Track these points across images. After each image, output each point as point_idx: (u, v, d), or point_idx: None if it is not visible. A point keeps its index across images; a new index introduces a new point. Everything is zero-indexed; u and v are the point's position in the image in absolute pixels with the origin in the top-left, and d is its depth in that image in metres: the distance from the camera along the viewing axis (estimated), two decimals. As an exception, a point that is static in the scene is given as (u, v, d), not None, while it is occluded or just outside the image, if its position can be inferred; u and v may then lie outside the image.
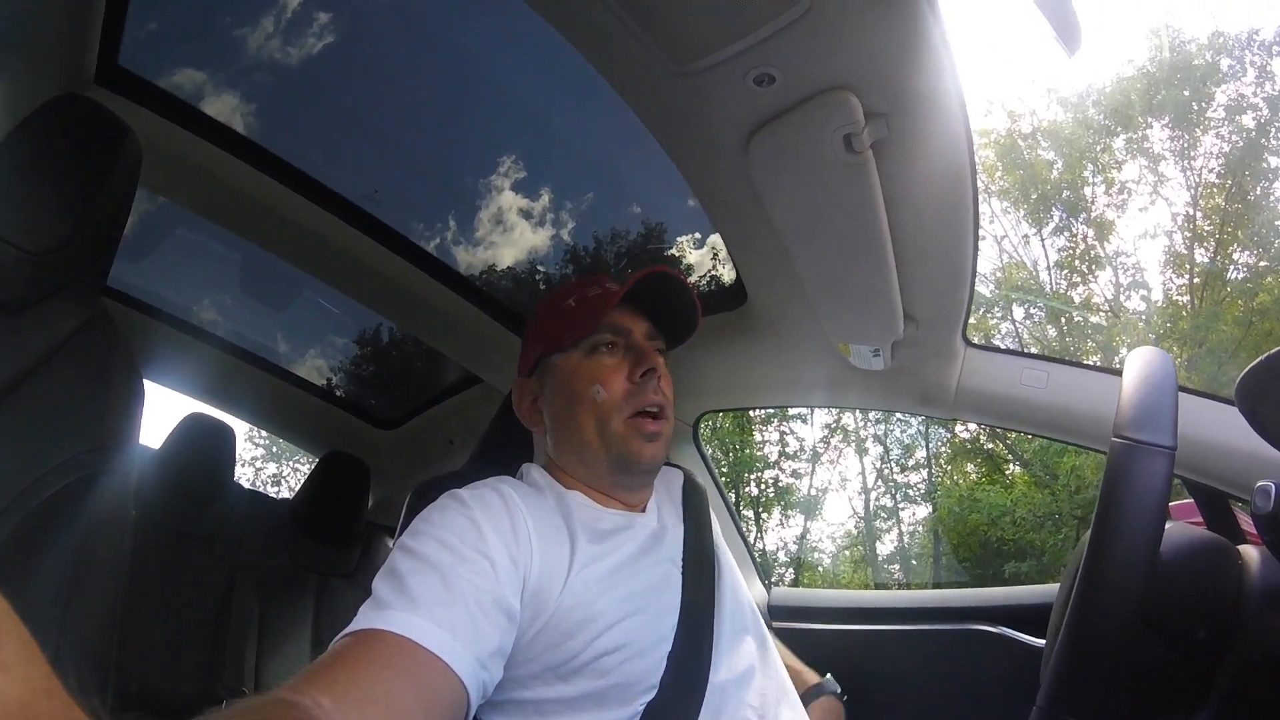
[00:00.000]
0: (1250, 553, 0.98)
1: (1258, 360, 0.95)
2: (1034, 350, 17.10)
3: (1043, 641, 1.75)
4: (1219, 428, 1.58)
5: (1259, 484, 0.90)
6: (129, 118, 1.39)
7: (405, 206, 2.32)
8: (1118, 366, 1.50)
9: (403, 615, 0.92)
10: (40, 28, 1.52)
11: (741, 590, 1.40)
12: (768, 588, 2.50)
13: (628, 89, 1.42)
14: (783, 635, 1.60)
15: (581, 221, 2.52)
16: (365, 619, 0.94)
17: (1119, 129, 18.14)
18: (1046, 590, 2.07)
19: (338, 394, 3.36)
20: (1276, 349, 0.93)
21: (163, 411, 3.01)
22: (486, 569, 1.05)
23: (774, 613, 2.41)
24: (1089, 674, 0.83)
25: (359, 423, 3.37)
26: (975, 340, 1.94)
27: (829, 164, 1.34)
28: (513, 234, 2.49)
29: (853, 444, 20.48)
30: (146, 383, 1.47)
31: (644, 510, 1.40)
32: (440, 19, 1.96)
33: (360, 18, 2.05)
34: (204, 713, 0.67)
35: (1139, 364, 0.97)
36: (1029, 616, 1.99)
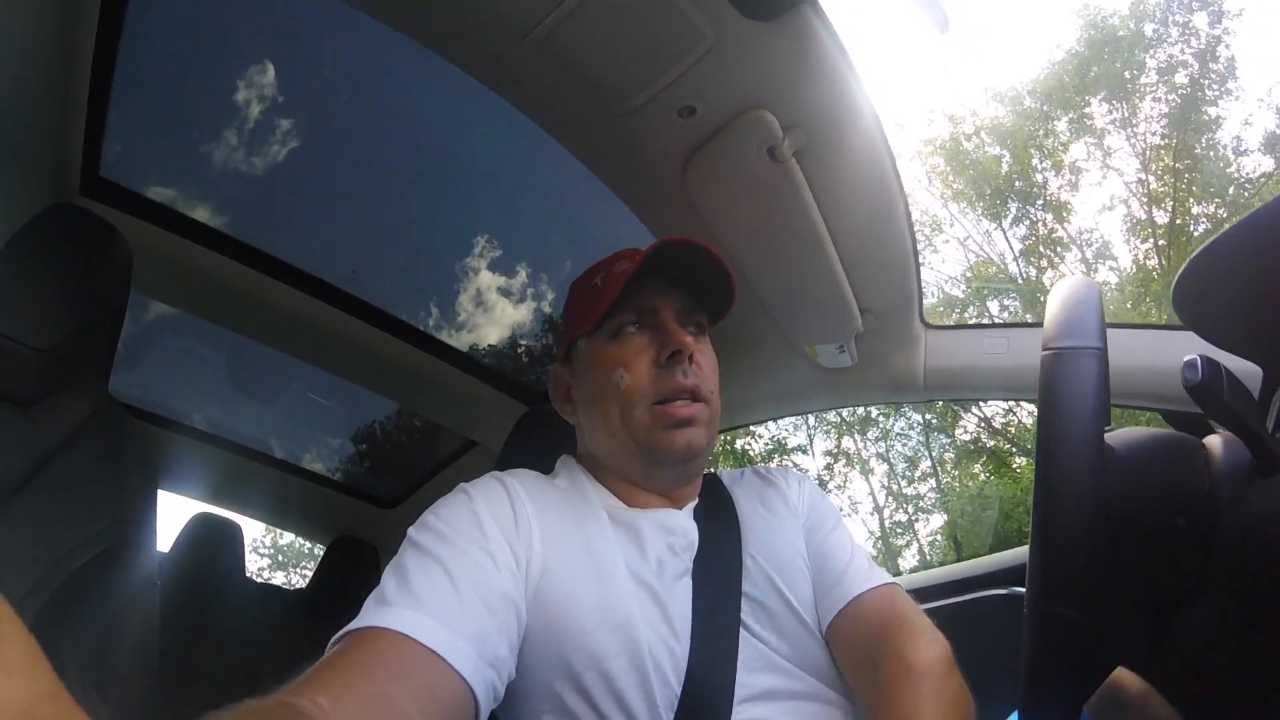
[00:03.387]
0: (1213, 440, 0.96)
1: (1185, 265, 0.96)
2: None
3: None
4: (1179, 355, 1.65)
5: (1185, 359, 0.88)
6: (113, 224, 1.47)
7: (385, 287, 2.38)
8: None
9: (404, 612, 0.89)
10: (27, 144, 1.62)
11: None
12: None
13: (572, 139, 1.55)
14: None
15: (562, 290, 2.47)
16: (367, 615, 0.90)
17: (1058, 112, 18.45)
18: None
19: (338, 480, 3.38)
20: (1199, 250, 0.94)
21: (167, 516, 3.06)
22: (488, 564, 1.00)
23: None
24: (1066, 564, 0.83)
25: (362, 505, 3.39)
26: (936, 323, 2.05)
27: (758, 177, 1.47)
28: (494, 313, 2.56)
29: (857, 467, 20.50)
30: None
31: (683, 508, 1.26)
32: (398, 104, 2.04)
33: (325, 111, 2.13)
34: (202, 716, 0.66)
35: (1060, 288, 1.01)
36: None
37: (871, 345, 2.02)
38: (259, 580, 3.34)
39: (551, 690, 1.04)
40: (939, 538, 19.35)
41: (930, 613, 1.97)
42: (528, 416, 1.78)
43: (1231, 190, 16.64)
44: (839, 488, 20.41)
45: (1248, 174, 16.82)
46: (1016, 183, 18.72)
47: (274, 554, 21.98)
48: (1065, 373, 0.89)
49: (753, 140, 1.41)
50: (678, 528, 1.20)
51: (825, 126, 1.43)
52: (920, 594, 2.17)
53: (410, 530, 1.06)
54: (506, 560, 1.02)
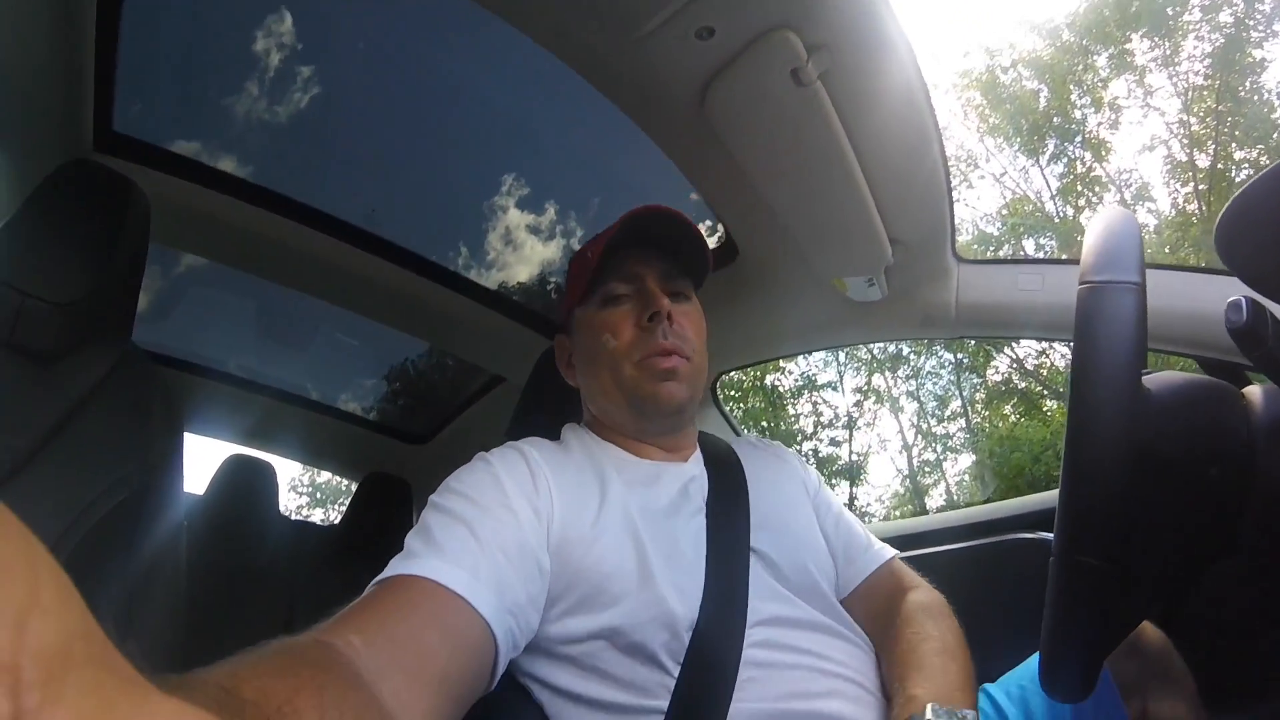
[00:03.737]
0: (1254, 391, 0.93)
1: (1228, 204, 0.92)
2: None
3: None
4: (1221, 300, 1.60)
5: (1229, 300, 0.87)
6: (130, 177, 1.48)
7: (410, 226, 2.39)
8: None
9: (430, 561, 0.93)
10: (37, 103, 1.64)
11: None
12: None
13: (589, 68, 1.50)
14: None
15: (589, 228, 2.58)
16: (394, 567, 0.94)
17: (1098, 47, 18.00)
18: None
19: (369, 417, 3.47)
20: (1245, 186, 0.89)
21: (205, 460, 3.24)
22: (510, 520, 1.05)
23: None
24: (1096, 510, 0.80)
25: (393, 442, 3.46)
26: (969, 257, 1.99)
27: (782, 102, 1.41)
28: (520, 251, 2.59)
29: (886, 404, 20.46)
30: (186, 435, 1.62)
31: (686, 459, 1.37)
32: (412, 42, 2.01)
33: (341, 53, 2.13)
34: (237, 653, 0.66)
35: (1098, 220, 0.98)
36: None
37: (902, 278, 1.96)
38: (294, 518, 3.36)
39: (572, 635, 1.08)
40: (967, 478, 19.39)
41: (954, 554, 2.10)
42: (550, 352, 1.75)
43: (1276, 136, 16.20)
44: (868, 425, 20.48)
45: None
46: (1055, 118, 18.35)
47: (312, 491, 22.36)
48: (1103, 308, 0.86)
49: (775, 62, 1.35)
50: (686, 473, 1.31)
51: (852, 48, 1.36)
52: (945, 534, 2.19)
53: (432, 496, 1.10)
54: (528, 516, 1.07)
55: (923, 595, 1.33)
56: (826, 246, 1.85)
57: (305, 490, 21.84)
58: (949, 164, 1.72)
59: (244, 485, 3.06)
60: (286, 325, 2.96)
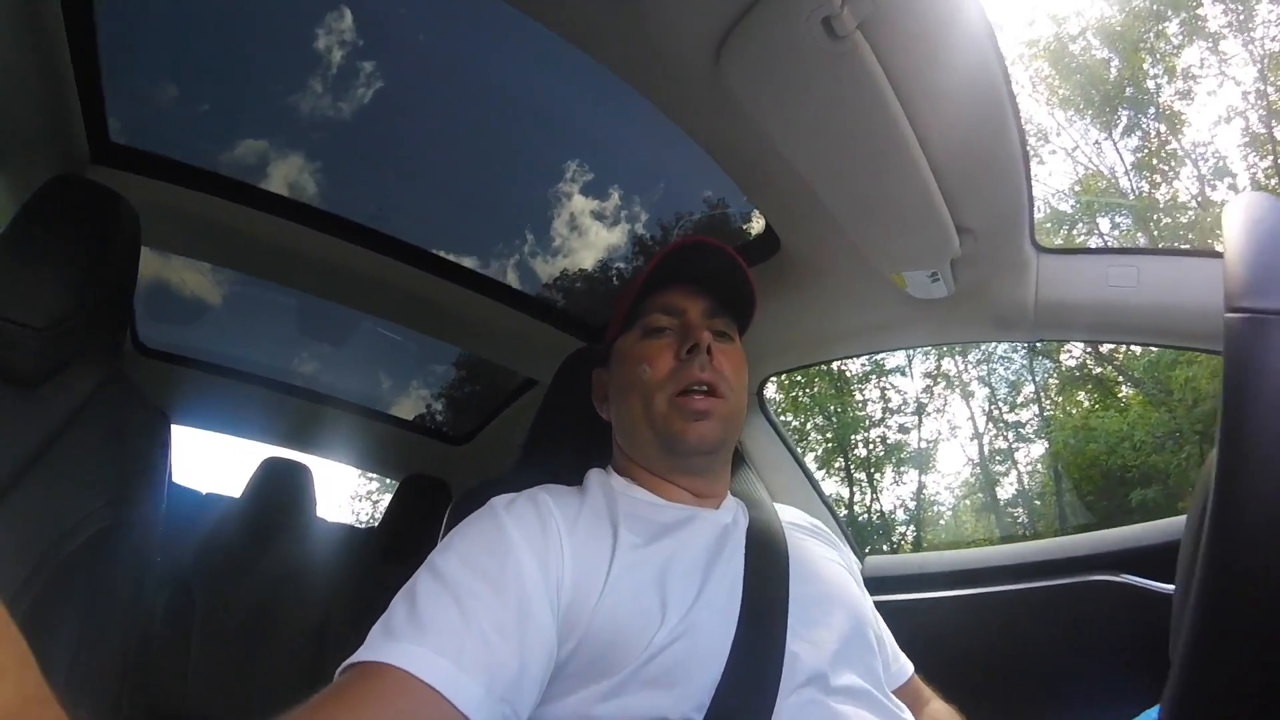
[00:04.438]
0: None
1: None
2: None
3: (1173, 587, 1.56)
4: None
5: None
6: (132, 188, 1.49)
7: (429, 228, 2.33)
8: (1218, 248, 1.28)
9: (408, 647, 0.87)
10: (28, 119, 1.63)
11: (825, 570, 1.29)
12: (860, 558, 2.26)
13: (587, 36, 1.29)
14: (878, 609, 1.43)
15: (651, 214, 2.51)
16: (371, 648, 0.89)
17: (1169, 12, 17.26)
18: (1172, 525, 1.81)
19: (408, 418, 3.44)
20: None
21: (245, 461, 3.35)
22: (512, 585, 0.98)
23: (867, 586, 2.15)
24: (1248, 593, 0.65)
25: (432, 442, 3.44)
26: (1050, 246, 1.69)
27: (813, 59, 1.12)
28: (548, 249, 2.50)
29: (957, 389, 19.97)
30: (226, 437, 1.92)
31: (718, 506, 1.30)
32: (408, 31, 2.00)
33: (344, 49, 2.02)
34: None
35: (1241, 216, 0.75)
36: (1155, 558, 1.73)
37: (971, 272, 1.68)
38: (330, 521, 3.47)
39: (585, 705, 1.00)
40: (1040, 467, 18.85)
41: (1021, 595, 1.89)
42: (575, 355, 1.69)
43: None
44: (938, 411, 20.09)
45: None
46: (1127, 89, 17.63)
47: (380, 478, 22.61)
48: (1267, 349, 0.66)
49: (801, 8, 1.06)
50: (719, 520, 1.24)
51: (901, -12, 1.07)
52: (1008, 572, 1.98)
53: (434, 553, 1.05)
54: (534, 575, 1.01)
55: (941, 706, 1.37)
56: (881, 236, 1.57)
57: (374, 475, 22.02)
58: (1025, 133, 1.41)
59: (280, 487, 3.13)
60: (325, 324, 2.94)
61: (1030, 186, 1.51)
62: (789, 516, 1.41)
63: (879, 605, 1.41)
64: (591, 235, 2.56)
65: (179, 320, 2.92)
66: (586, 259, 2.56)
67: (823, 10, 1.04)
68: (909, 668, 1.40)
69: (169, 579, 2.75)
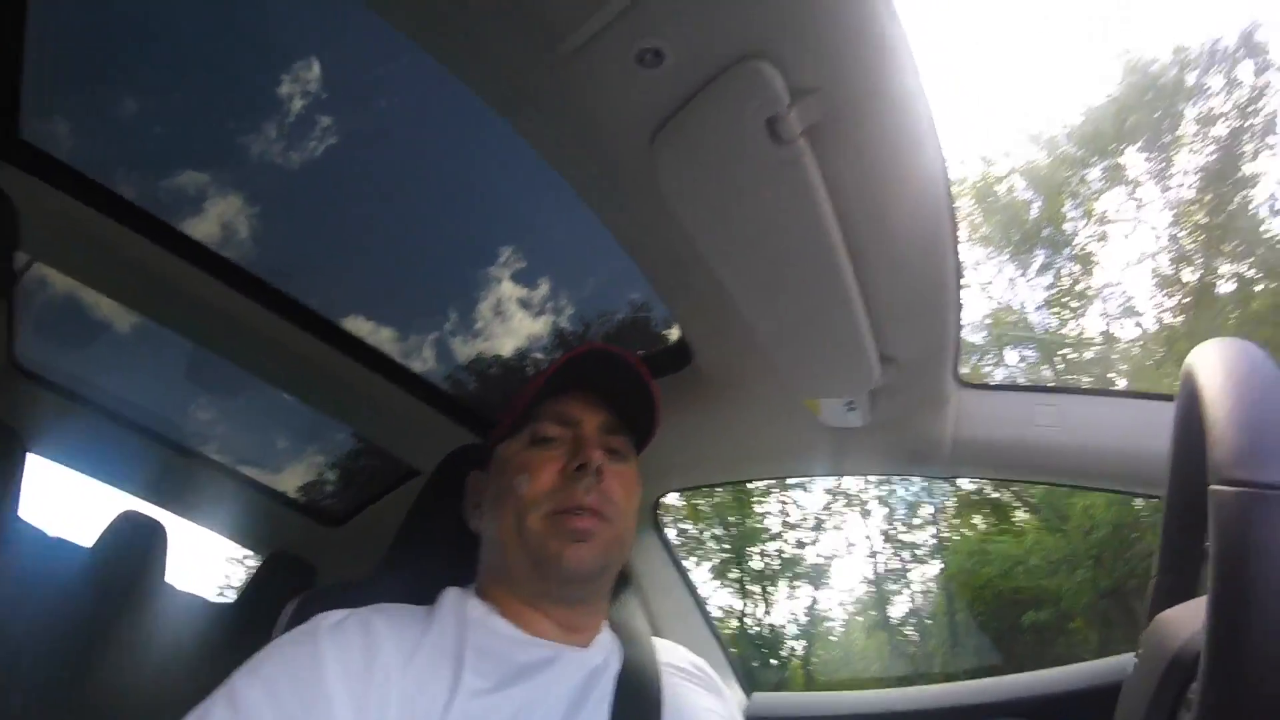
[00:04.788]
0: None
1: None
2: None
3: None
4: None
5: None
6: (33, 193, 1.48)
7: (329, 293, 2.14)
8: (1146, 390, 1.22)
9: None
10: None
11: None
12: (747, 693, 2.13)
13: (507, 102, 1.16)
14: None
15: (576, 309, 2.42)
16: None
17: (1094, 159, 18.13)
18: (1079, 672, 1.75)
19: (281, 489, 3.19)
20: None
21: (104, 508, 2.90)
22: None
23: None
24: None
25: (304, 520, 3.18)
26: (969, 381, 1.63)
27: (751, 161, 1.02)
28: (510, 323, 2.43)
29: (856, 508, 20.14)
30: (86, 479, 1.81)
31: (588, 643, 1.16)
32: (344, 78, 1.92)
33: (321, 108, 1.95)
34: None
35: (1221, 369, 0.65)
36: (1063, 707, 1.67)
37: (890, 403, 1.59)
38: (181, 590, 3.08)
39: None
40: (933, 587, 18.98)
41: None
42: (461, 451, 1.52)
43: (1261, 250, 16.31)
44: (836, 528, 20.12)
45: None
46: (1045, 229, 18.35)
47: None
48: (1268, 528, 0.55)
49: (745, 107, 0.96)
50: (587, 662, 1.11)
51: (853, 95, 0.98)
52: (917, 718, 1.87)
53: (243, 667, 0.94)
54: (344, 714, 0.89)
55: None
56: (800, 359, 1.46)
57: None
58: (962, 268, 1.34)
59: (131, 545, 2.77)
60: (213, 377, 2.69)
61: (959, 319, 1.44)
62: (669, 656, 1.28)
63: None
64: (515, 322, 2.44)
65: (62, 342, 2.72)
66: (505, 346, 2.46)
67: (768, 109, 0.95)
68: None
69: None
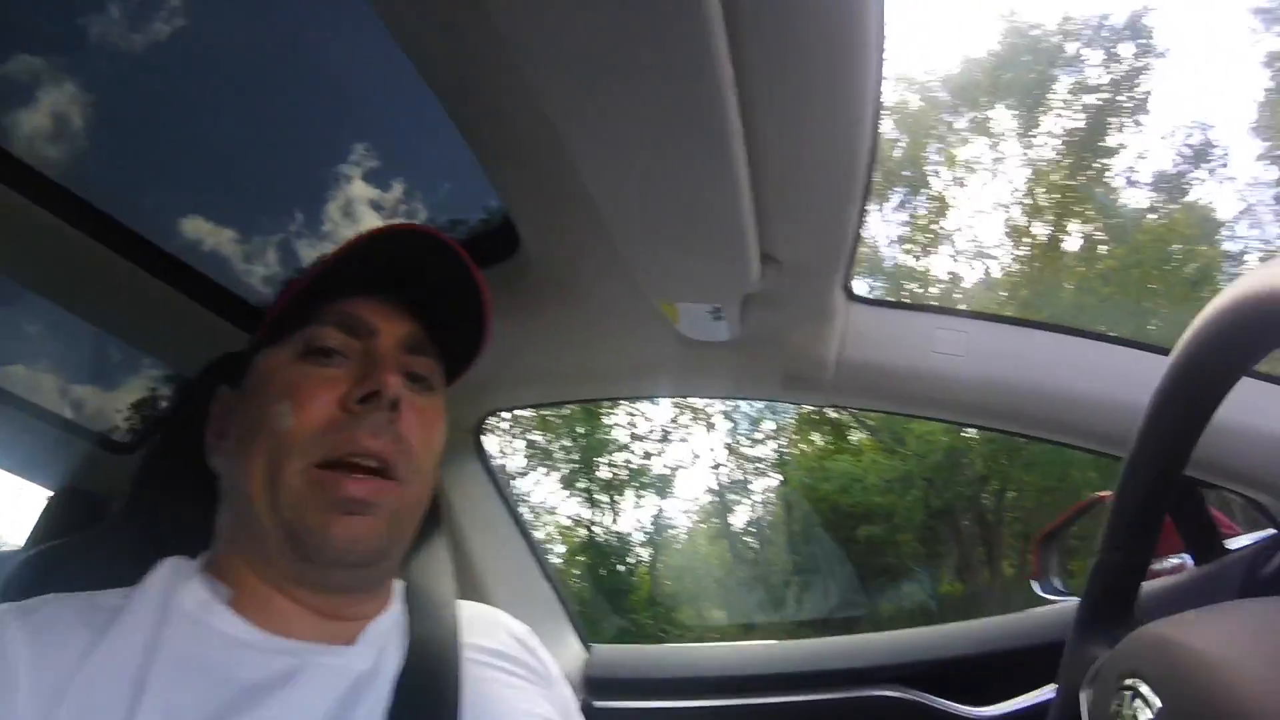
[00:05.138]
0: None
1: None
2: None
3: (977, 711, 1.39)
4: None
5: None
6: None
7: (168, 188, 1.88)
8: (1070, 326, 1.18)
9: None
10: None
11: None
12: (587, 648, 1.84)
13: None
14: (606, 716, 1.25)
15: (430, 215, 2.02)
16: None
17: (964, 108, 18.57)
18: (958, 635, 1.57)
19: (64, 414, 2.66)
20: None
21: None
22: None
23: (593, 687, 1.73)
24: None
25: (91, 449, 2.71)
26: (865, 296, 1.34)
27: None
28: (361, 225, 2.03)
29: (702, 421, 20.47)
30: None
31: (354, 637, 0.85)
32: None
33: None
34: None
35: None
36: (946, 672, 1.50)
37: (765, 313, 1.28)
38: None
39: None
40: (773, 499, 19.63)
41: (803, 709, 1.57)
42: (223, 361, 1.13)
43: (1114, 218, 17.19)
44: (682, 440, 20.52)
45: (1134, 205, 17.75)
46: (905, 171, 18.80)
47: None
48: None
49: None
50: (350, 668, 0.81)
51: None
52: (786, 680, 1.62)
53: None
54: None
55: None
56: (659, 248, 1.13)
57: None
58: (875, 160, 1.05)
59: None
60: None
61: (861, 222, 1.14)
62: (480, 636, 0.98)
63: (611, 714, 1.21)
64: (364, 224, 2.04)
65: None
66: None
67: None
68: None
69: None
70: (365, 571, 0.86)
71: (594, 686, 1.72)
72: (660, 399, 18.37)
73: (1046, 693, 1.36)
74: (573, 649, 1.81)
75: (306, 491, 0.80)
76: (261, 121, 1.88)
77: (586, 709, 1.25)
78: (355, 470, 0.81)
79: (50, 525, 2.55)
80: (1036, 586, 1.73)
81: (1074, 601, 0.87)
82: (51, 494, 2.66)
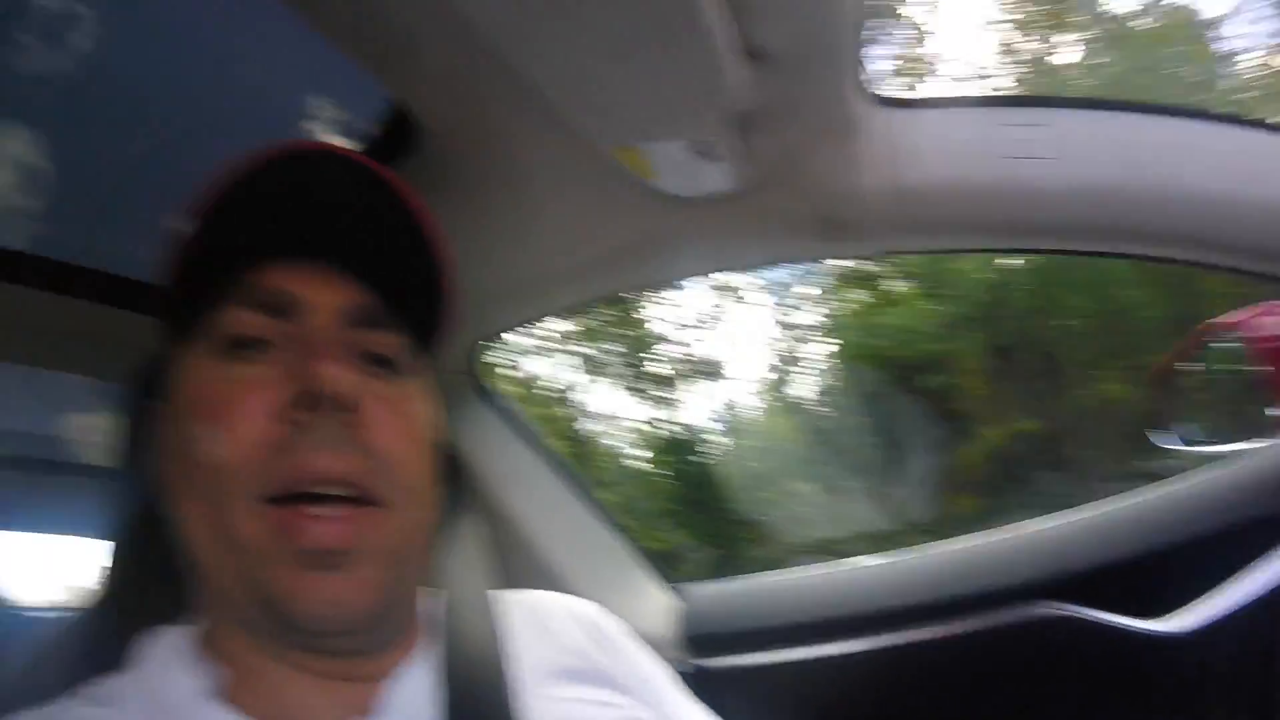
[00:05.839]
0: None
1: None
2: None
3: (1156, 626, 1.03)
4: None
5: None
6: None
7: None
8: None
9: None
10: None
11: None
12: (675, 591, 1.53)
13: None
14: (715, 681, 1.05)
15: None
16: None
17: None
18: (1092, 528, 1.23)
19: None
20: None
21: None
22: None
23: (697, 645, 1.40)
24: None
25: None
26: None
27: None
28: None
29: (735, 298, 20.37)
30: None
31: (366, 710, 0.64)
32: None
33: None
34: None
35: None
36: (1095, 579, 1.16)
37: (766, 143, 0.94)
38: None
39: None
40: (832, 364, 19.56)
41: (936, 649, 1.24)
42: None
43: (1095, 30, 16.58)
44: (724, 321, 20.43)
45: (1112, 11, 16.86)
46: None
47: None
48: None
49: None
50: None
51: None
52: (913, 612, 1.28)
53: None
54: None
55: None
56: (591, 73, 0.80)
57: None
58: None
59: None
60: None
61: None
62: (539, 646, 0.77)
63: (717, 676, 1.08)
64: None
65: None
66: None
67: None
68: None
69: None
70: (365, 637, 0.65)
71: (693, 644, 1.42)
72: (676, 284, 18.33)
73: (1247, 589, 0.99)
74: (657, 599, 1.50)
75: (264, 539, 0.59)
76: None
77: (690, 675, 0.98)
78: (316, 502, 0.59)
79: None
80: (1157, 436, 1.35)
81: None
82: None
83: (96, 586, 0.87)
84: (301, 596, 0.59)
